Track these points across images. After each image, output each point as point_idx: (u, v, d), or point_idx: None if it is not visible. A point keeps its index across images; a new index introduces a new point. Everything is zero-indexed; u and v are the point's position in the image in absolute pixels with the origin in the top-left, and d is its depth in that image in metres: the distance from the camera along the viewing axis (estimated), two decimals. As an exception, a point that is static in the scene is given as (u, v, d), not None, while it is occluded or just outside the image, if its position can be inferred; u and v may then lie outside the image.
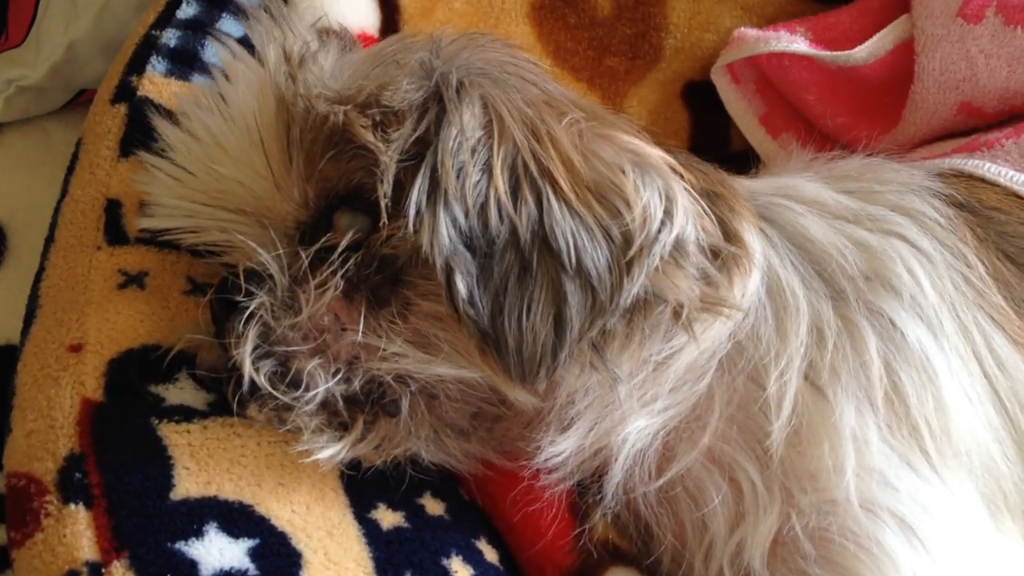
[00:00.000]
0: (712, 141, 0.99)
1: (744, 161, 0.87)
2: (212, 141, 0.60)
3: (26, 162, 1.17)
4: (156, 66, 0.76)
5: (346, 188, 0.58)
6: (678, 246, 0.54)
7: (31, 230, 0.99)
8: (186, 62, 0.77)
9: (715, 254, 0.58)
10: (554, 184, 0.54)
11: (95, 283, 0.63)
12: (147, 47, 0.77)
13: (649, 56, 0.97)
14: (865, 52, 0.86)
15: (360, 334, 0.55)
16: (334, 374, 0.55)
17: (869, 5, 0.93)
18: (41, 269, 0.68)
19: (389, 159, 0.54)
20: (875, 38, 0.86)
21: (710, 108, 0.98)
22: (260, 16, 0.63)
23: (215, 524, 0.50)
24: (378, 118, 0.55)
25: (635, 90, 0.98)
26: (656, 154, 0.57)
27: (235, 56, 0.63)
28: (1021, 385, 0.59)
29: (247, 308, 0.55)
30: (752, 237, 0.61)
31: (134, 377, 0.57)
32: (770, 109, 0.96)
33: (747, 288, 0.60)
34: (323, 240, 0.57)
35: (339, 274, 0.56)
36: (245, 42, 0.68)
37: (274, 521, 0.52)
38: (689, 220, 0.55)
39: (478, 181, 0.53)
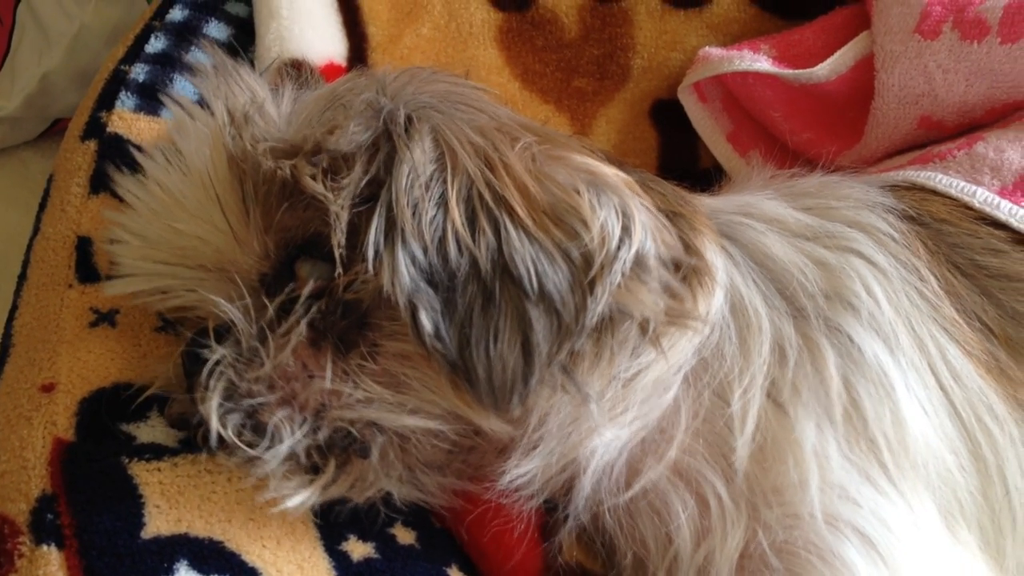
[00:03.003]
0: (681, 159, 1.00)
1: (713, 178, 0.88)
2: (170, 199, 0.60)
3: (2, 193, 1.18)
4: (125, 102, 0.77)
5: (304, 237, 0.58)
6: (638, 261, 0.54)
7: (9, 261, 0.99)
8: (155, 97, 0.78)
9: (678, 267, 0.58)
10: (510, 211, 0.54)
11: (66, 322, 0.64)
12: (116, 82, 0.78)
13: (617, 76, 0.98)
14: (826, 69, 0.87)
15: (328, 380, 0.55)
16: (301, 424, 0.55)
17: (832, 21, 0.94)
18: (14, 307, 0.68)
19: (340, 207, 0.54)
20: (836, 55, 0.87)
21: (678, 127, 0.99)
22: (207, 72, 0.63)
23: (186, 562, 0.50)
24: (326, 165, 0.55)
25: (604, 111, 0.99)
26: (611, 172, 0.58)
27: (187, 111, 0.63)
28: (975, 395, 0.60)
29: (211, 362, 0.55)
30: (714, 255, 0.62)
31: (105, 416, 0.57)
32: (737, 126, 0.98)
33: (711, 305, 0.60)
34: (287, 291, 0.57)
35: (303, 323, 0.56)
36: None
37: (245, 557, 0.53)
38: (648, 235, 0.55)
39: (434, 216, 0.53)
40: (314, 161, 0.56)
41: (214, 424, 0.54)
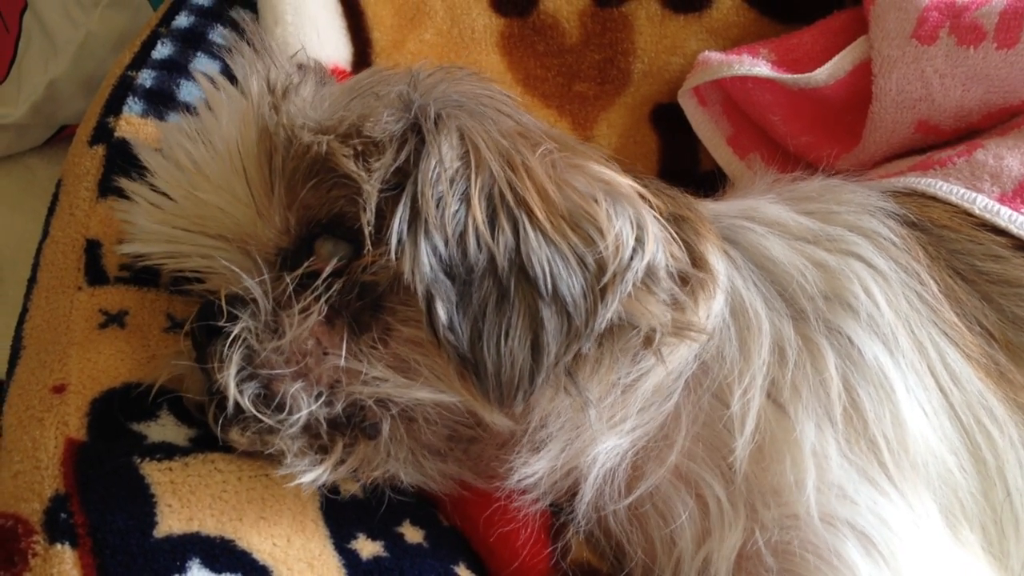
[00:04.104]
0: (681, 163, 1.01)
1: (713, 181, 0.89)
2: (194, 168, 0.61)
3: (10, 199, 1.19)
4: (132, 107, 0.78)
5: (328, 216, 0.59)
6: (649, 273, 0.56)
7: (17, 266, 1.00)
8: (162, 102, 0.79)
9: (683, 279, 0.60)
10: (530, 213, 0.55)
11: (76, 324, 0.65)
12: (123, 88, 0.79)
13: (618, 81, 0.99)
14: (825, 74, 0.88)
15: (343, 359, 0.56)
16: (316, 397, 0.56)
17: (830, 26, 0.95)
18: (24, 310, 0.69)
19: (372, 187, 0.56)
20: (834, 60, 0.88)
21: (679, 130, 1.00)
22: (243, 49, 0.64)
23: (198, 560, 0.51)
24: (359, 148, 0.57)
25: (604, 115, 1.00)
26: (626, 183, 0.59)
27: (217, 87, 0.64)
28: (975, 398, 0.61)
29: (231, 332, 0.56)
30: (717, 259, 0.63)
31: (116, 416, 0.58)
32: (737, 130, 0.99)
33: (712, 310, 0.61)
34: (305, 265, 0.58)
35: (322, 300, 0.57)
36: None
37: (256, 555, 0.53)
38: (659, 247, 0.56)
39: (457, 211, 0.55)
40: (348, 143, 0.57)
41: (232, 391, 0.55)
